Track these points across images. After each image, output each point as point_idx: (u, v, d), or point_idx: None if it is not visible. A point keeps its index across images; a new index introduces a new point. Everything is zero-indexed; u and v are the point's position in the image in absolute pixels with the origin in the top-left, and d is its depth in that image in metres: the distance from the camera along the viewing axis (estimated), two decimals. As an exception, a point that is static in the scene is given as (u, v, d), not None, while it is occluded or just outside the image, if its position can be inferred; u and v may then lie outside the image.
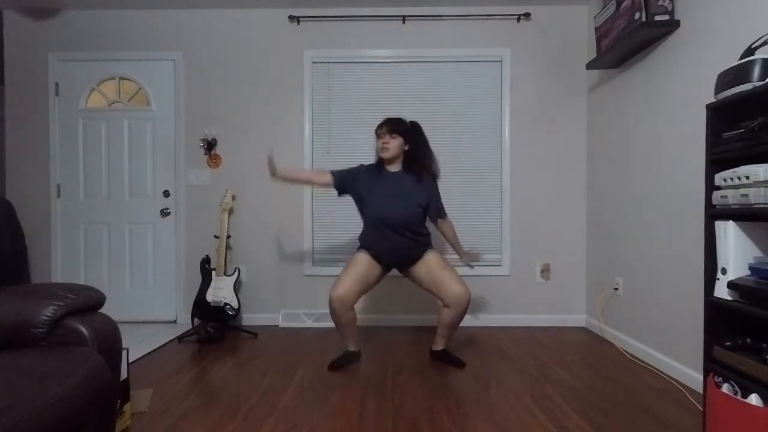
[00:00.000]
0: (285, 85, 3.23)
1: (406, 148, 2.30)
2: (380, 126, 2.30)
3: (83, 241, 3.27)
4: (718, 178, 1.47)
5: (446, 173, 3.18)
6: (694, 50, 2.07)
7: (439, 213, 2.39)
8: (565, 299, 3.21)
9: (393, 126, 2.27)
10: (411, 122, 2.34)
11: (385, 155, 2.27)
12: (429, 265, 2.27)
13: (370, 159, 2.49)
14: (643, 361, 2.42)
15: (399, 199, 2.24)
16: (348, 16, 3.18)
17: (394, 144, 2.26)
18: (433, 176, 2.36)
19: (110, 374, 1.24)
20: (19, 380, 1.02)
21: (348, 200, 3.19)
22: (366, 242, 2.33)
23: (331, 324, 3.14)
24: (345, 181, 2.33)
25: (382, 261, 2.31)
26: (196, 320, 2.92)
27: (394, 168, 2.32)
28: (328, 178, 2.31)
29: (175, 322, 3.25)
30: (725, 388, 1.38)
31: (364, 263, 2.28)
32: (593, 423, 1.70)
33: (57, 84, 3.24)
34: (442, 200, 2.42)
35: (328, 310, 3.12)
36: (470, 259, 2.48)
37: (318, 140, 3.22)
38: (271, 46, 3.22)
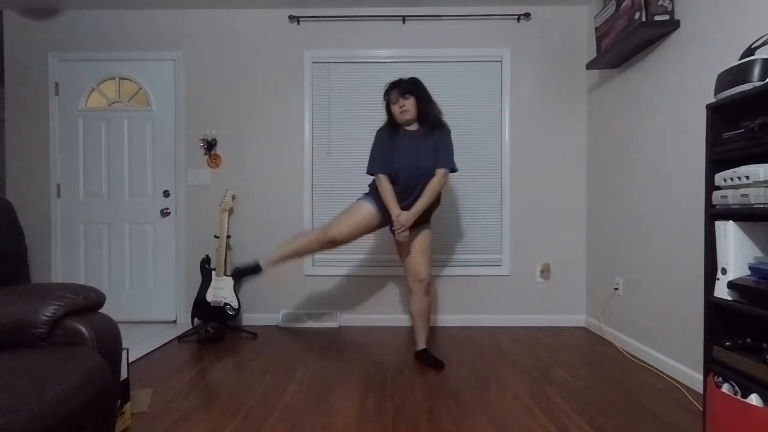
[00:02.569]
0: (285, 85, 3.23)
1: (418, 105, 2.27)
2: (388, 92, 2.27)
3: (83, 241, 3.27)
4: (718, 178, 1.47)
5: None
6: (694, 50, 2.07)
7: (437, 163, 2.23)
8: (565, 299, 3.21)
9: (403, 88, 2.24)
10: (411, 79, 2.31)
11: (407, 117, 2.24)
12: (417, 245, 2.32)
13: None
14: (643, 361, 2.42)
15: (414, 154, 2.24)
16: (348, 16, 3.18)
17: (410, 104, 2.24)
18: (444, 127, 2.29)
19: (110, 374, 1.24)
20: (19, 380, 1.02)
21: (348, 199, 3.20)
22: (377, 196, 2.32)
23: (330, 324, 3.14)
24: (387, 160, 2.29)
25: (387, 217, 2.31)
26: (196, 320, 2.92)
27: (412, 126, 2.31)
28: (387, 179, 2.28)
29: (175, 322, 3.25)
30: (725, 388, 1.38)
31: (365, 209, 2.30)
32: (593, 423, 1.70)
33: (57, 84, 3.24)
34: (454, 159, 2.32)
35: (327, 310, 3.18)
36: (400, 223, 2.22)
37: (318, 140, 3.22)
38: (271, 46, 3.22)
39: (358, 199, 2.40)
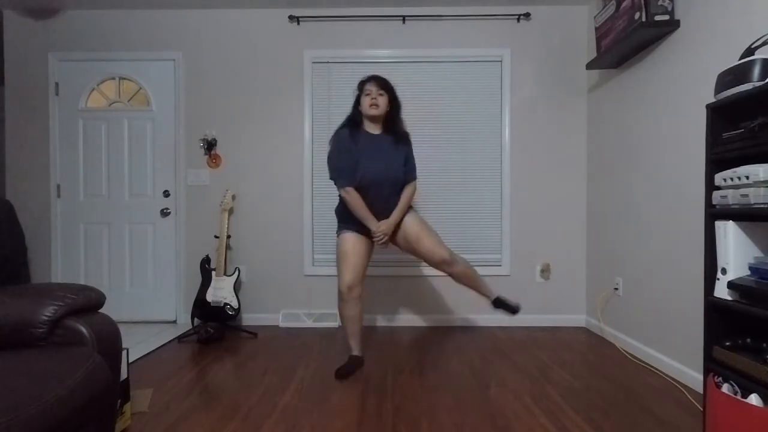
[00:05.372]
0: (285, 85, 3.23)
1: (388, 108, 2.22)
2: (367, 82, 2.19)
3: (83, 241, 3.27)
4: (718, 178, 1.47)
5: (446, 173, 3.20)
6: (694, 50, 2.07)
7: (408, 175, 2.26)
8: (565, 299, 3.21)
9: (382, 83, 2.19)
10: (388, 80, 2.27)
11: (375, 112, 2.16)
12: (412, 231, 2.24)
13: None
14: (643, 361, 2.42)
15: (385, 161, 2.18)
16: (348, 16, 3.18)
17: (383, 101, 2.18)
18: (409, 141, 2.29)
19: (110, 374, 1.24)
20: (19, 380, 1.02)
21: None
22: (349, 217, 2.24)
23: (330, 324, 3.14)
24: (353, 169, 2.19)
25: (368, 233, 2.24)
26: (196, 320, 2.92)
27: (374, 129, 2.23)
28: (355, 191, 2.19)
29: (175, 322, 3.25)
30: (725, 388, 1.38)
31: (352, 243, 2.21)
32: (593, 423, 1.70)
33: (57, 84, 3.24)
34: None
35: (327, 310, 3.18)
36: (381, 232, 2.19)
37: (318, 140, 3.22)
38: (271, 46, 3.22)
39: (337, 236, 2.28)
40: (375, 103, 2.16)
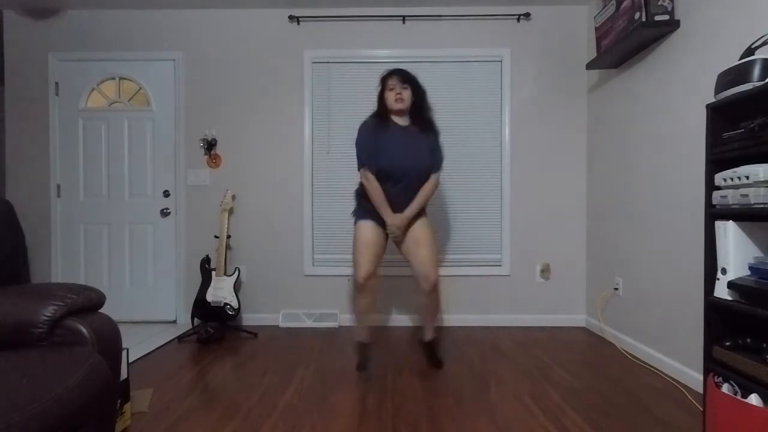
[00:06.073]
0: (285, 85, 3.23)
1: (413, 99, 2.21)
2: (389, 76, 2.19)
3: (83, 241, 3.27)
4: (718, 178, 1.47)
5: (446, 173, 3.19)
6: (694, 50, 2.07)
7: (432, 167, 2.23)
8: (565, 299, 3.21)
9: (405, 76, 2.19)
10: (410, 72, 2.26)
11: (400, 106, 2.16)
12: (416, 235, 2.22)
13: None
14: (643, 361, 2.42)
15: (412, 152, 2.17)
16: (348, 16, 3.18)
17: (407, 95, 2.18)
18: (436, 129, 2.28)
19: (110, 374, 1.24)
20: (19, 380, 1.02)
21: (348, 197, 3.18)
22: (367, 203, 2.23)
23: (330, 324, 3.14)
24: (375, 155, 2.19)
25: (384, 224, 2.22)
26: (196, 320, 2.92)
27: (402, 121, 2.23)
28: (374, 177, 2.19)
29: (175, 322, 3.25)
30: (725, 388, 1.38)
31: (369, 233, 2.20)
32: (593, 423, 1.70)
33: (57, 84, 3.24)
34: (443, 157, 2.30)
35: (327, 310, 3.18)
36: (395, 226, 2.18)
37: (318, 140, 3.22)
38: (271, 46, 3.22)
39: (354, 222, 2.28)
40: (400, 98, 2.17)
